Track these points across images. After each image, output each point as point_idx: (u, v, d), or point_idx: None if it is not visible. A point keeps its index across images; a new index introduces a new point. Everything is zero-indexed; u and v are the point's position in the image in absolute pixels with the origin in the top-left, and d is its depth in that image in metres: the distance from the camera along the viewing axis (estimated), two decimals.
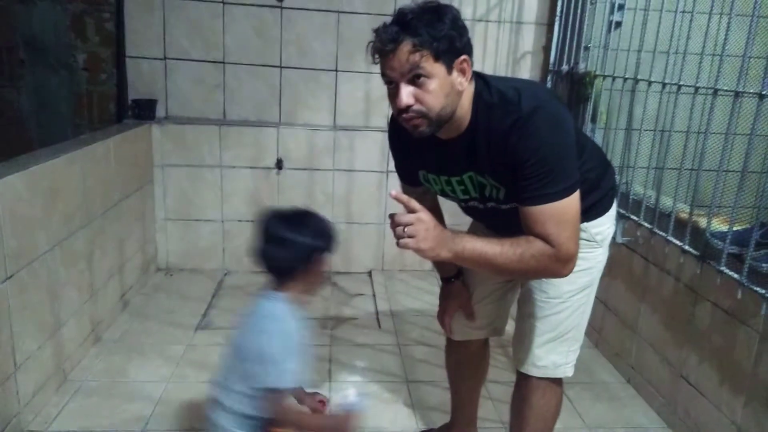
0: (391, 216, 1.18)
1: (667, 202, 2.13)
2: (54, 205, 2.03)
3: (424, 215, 1.17)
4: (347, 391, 1.37)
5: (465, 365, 1.80)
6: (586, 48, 2.79)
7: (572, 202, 1.22)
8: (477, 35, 3.17)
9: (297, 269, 1.31)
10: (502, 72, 3.23)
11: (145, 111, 3.04)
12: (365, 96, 3.13)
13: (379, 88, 1.24)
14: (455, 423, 1.88)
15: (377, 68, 1.22)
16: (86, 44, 3.04)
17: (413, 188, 1.53)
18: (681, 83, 2.02)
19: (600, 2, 2.68)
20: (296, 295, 1.34)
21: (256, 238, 1.33)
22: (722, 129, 1.81)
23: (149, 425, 1.90)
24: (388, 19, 1.20)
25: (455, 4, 3.06)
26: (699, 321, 1.93)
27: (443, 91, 1.19)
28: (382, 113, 3.08)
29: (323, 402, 1.59)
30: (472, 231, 1.62)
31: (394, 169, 1.59)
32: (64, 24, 3.01)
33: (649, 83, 2.18)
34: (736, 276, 1.70)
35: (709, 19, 1.90)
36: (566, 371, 1.52)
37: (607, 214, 1.47)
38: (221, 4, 3.01)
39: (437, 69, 1.17)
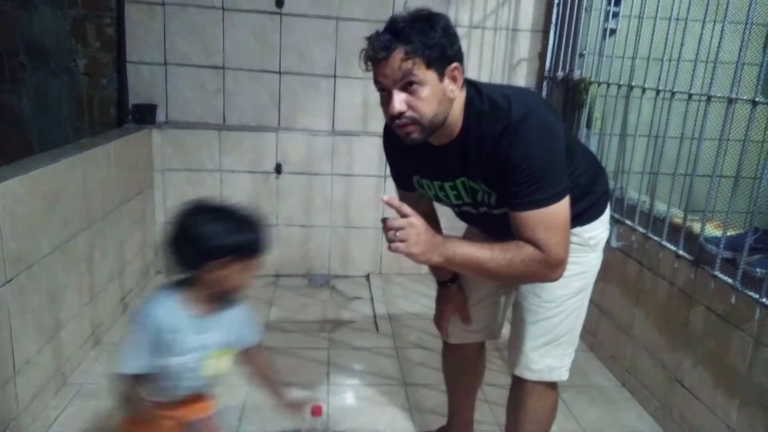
0: (384, 220, 1.19)
1: (661, 207, 2.15)
2: (54, 208, 2.05)
3: (415, 220, 1.18)
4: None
5: (461, 368, 1.81)
6: (581, 55, 2.82)
7: (562, 207, 1.23)
8: (473, 42, 3.20)
9: (197, 266, 1.24)
10: (498, 78, 3.26)
11: (145, 116, 3.06)
12: (363, 101, 3.15)
13: (377, 94, 1.26)
14: (452, 426, 1.89)
15: None
16: (87, 49, 3.06)
17: (409, 193, 1.55)
18: (675, 90, 2.05)
19: (595, 10, 2.72)
20: (198, 293, 1.28)
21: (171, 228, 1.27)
22: (716, 135, 1.83)
23: None
24: (382, 27, 1.22)
25: (452, 11, 3.15)
26: (693, 325, 1.95)
27: (435, 98, 1.21)
28: (380, 119, 3.06)
29: (318, 408, 1.60)
30: (467, 236, 1.64)
31: (391, 175, 1.61)
32: (65, 29, 3.04)
33: (644, 90, 2.21)
34: (729, 281, 1.72)
35: (703, 26, 1.93)
36: (561, 375, 1.53)
37: (600, 218, 1.48)
38: (221, 10, 3.04)
39: (429, 76, 1.19)
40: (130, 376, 1.25)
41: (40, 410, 1.94)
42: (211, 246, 1.21)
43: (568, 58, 2.89)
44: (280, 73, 3.15)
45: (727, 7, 1.79)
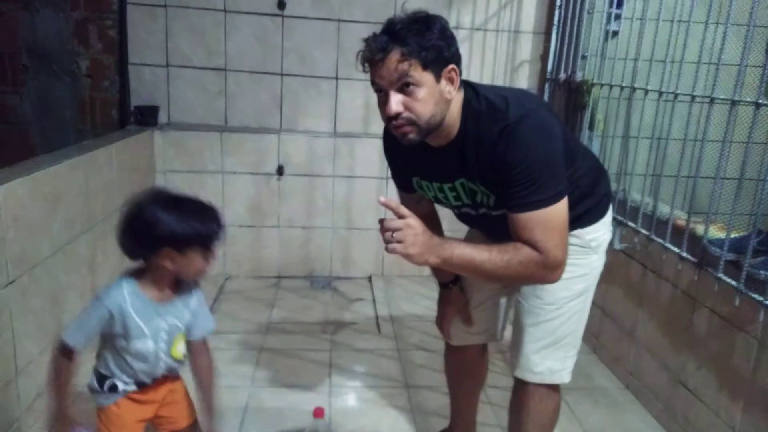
0: (381, 221, 1.19)
1: (664, 209, 2.15)
2: (56, 210, 2.05)
3: (412, 221, 1.18)
4: None
5: (464, 370, 1.81)
6: (584, 57, 2.82)
7: (560, 209, 1.23)
8: (475, 44, 3.20)
9: (144, 253, 1.27)
10: (500, 81, 3.26)
11: (147, 117, 3.06)
12: (365, 103, 3.15)
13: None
14: (454, 428, 1.89)
15: None
16: (89, 51, 3.07)
17: (409, 195, 1.55)
18: (678, 92, 2.04)
19: (597, 12, 2.71)
20: (151, 279, 1.30)
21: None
22: (719, 137, 1.83)
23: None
24: (376, 31, 1.22)
25: (453, 13, 3.16)
26: (697, 327, 1.95)
27: (432, 99, 1.21)
28: (381, 120, 3.10)
29: (321, 410, 1.60)
30: (469, 238, 1.64)
31: (392, 177, 1.61)
32: (67, 31, 3.04)
33: (646, 92, 2.20)
34: (733, 283, 1.72)
35: (705, 28, 1.93)
36: (563, 377, 1.53)
37: (602, 220, 1.48)
38: (223, 12, 3.04)
39: (426, 78, 1.19)
40: (66, 346, 1.27)
41: (43, 411, 1.94)
42: (164, 233, 1.22)
43: (571, 60, 2.89)
44: (281, 74, 3.15)
45: (729, 9, 1.79)
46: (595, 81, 2.62)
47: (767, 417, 1.64)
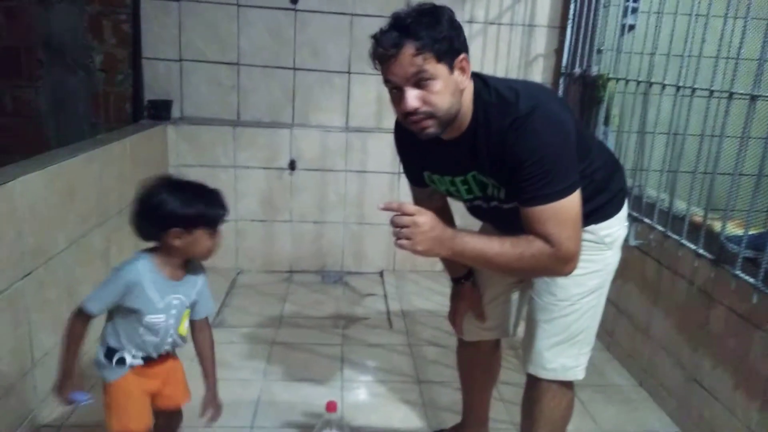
0: (391, 218, 1.19)
1: (680, 205, 2.12)
2: (71, 203, 2.06)
3: (420, 218, 1.17)
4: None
5: (476, 366, 1.80)
6: (599, 51, 2.79)
7: (572, 201, 1.22)
8: (489, 38, 3.18)
9: (155, 233, 1.35)
10: (513, 75, 3.24)
11: (160, 112, 3.07)
12: (378, 98, 3.14)
13: None
14: (466, 424, 1.88)
15: None
16: (103, 45, 3.08)
17: (421, 189, 1.54)
18: (695, 86, 2.02)
19: (613, 5, 2.68)
20: (163, 258, 1.38)
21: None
22: (737, 132, 1.80)
23: None
24: (385, 25, 1.21)
25: (467, 7, 3.13)
26: (713, 325, 1.92)
27: (448, 90, 1.21)
28: (394, 115, 3.09)
29: (333, 404, 1.60)
30: (481, 232, 1.63)
31: (404, 172, 1.60)
32: (81, 25, 3.06)
33: (663, 86, 2.17)
34: (751, 280, 1.69)
35: (725, 22, 1.90)
36: (576, 374, 1.52)
37: (616, 216, 1.46)
38: (236, 7, 3.04)
39: (440, 70, 1.19)
40: (84, 312, 1.34)
41: (59, 402, 1.96)
42: (171, 214, 1.31)
43: (586, 55, 2.86)
44: (294, 69, 3.15)
45: (749, 3, 1.76)
46: (610, 75, 2.59)
47: None
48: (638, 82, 2.33)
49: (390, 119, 1.45)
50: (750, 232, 1.74)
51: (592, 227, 1.40)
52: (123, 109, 3.15)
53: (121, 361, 1.40)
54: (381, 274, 3.35)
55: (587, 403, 2.17)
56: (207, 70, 3.11)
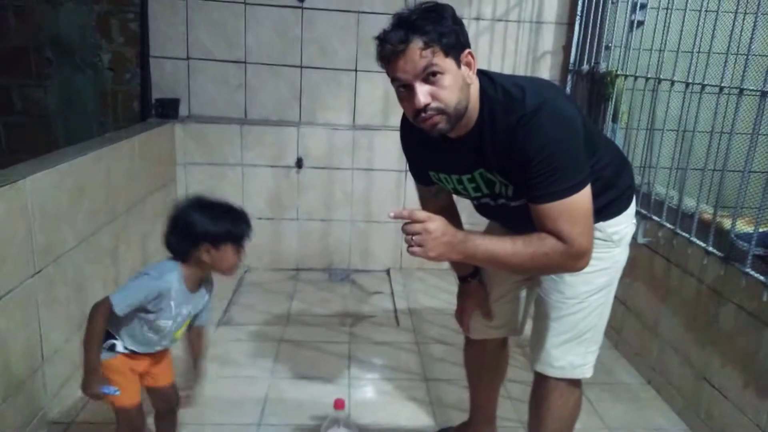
0: (402, 226, 1.19)
1: (689, 202, 2.11)
2: (80, 201, 2.08)
3: (431, 225, 1.17)
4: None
5: (483, 364, 1.80)
6: (607, 47, 2.77)
7: (583, 197, 1.21)
8: (497, 35, 3.17)
9: (186, 249, 1.44)
10: (521, 72, 3.23)
11: (168, 110, 3.09)
12: (384, 95, 3.14)
13: None
14: (473, 421, 1.88)
15: None
16: (111, 44, 3.10)
17: (427, 187, 1.54)
18: (705, 83, 2.00)
19: (621, 1, 2.66)
20: (191, 270, 1.46)
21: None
22: (747, 129, 1.79)
23: None
24: (388, 25, 1.21)
25: (475, 3, 3.12)
26: (722, 323, 1.91)
27: (457, 85, 1.20)
28: (401, 113, 3.09)
29: (341, 401, 1.61)
30: (489, 231, 1.63)
31: (410, 170, 1.60)
32: (89, 24, 3.07)
33: (672, 83, 2.16)
34: (761, 278, 1.68)
35: (735, 18, 1.88)
36: (584, 372, 1.51)
37: (624, 213, 1.45)
38: (243, 5, 3.05)
39: (448, 64, 1.19)
40: (111, 310, 1.38)
41: (68, 399, 1.97)
42: (202, 231, 1.41)
43: (594, 51, 2.85)
44: (301, 67, 3.15)
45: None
46: (619, 72, 2.57)
47: None
48: (647, 79, 2.31)
49: (397, 117, 1.44)
50: (760, 230, 1.72)
51: (600, 224, 1.39)
52: (131, 108, 3.17)
53: (112, 347, 1.47)
54: (388, 272, 3.35)
55: (595, 401, 2.17)
56: (214, 68, 3.11)
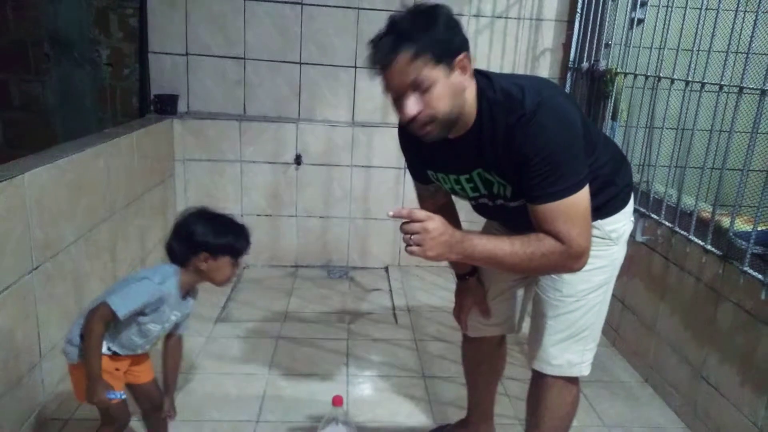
0: (401, 226, 1.19)
1: (688, 201, 2.11)
2: (79, 197, 2.07)
3: (430, 224, 1.17)
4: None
5: (481, 361, 1.80)
6: (607, 45, 2.77)
7: (581, 197, 1.21)
8: (496, 32, 3.16)
9: (185, 256, 1.47)
10: (521, 69, 3.22)
11: (167, 106, 3.08)
12: (383, 92, 3.13)
13: None
14: (471, 419, 1.88)
15: None
16: (110, 39, 3.09)
17: (425, 186, 1.54)
18: (705, 81, 2.00)
19: None
20: (187, 277, 1.49)
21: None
22: (747, 128, 1.79)
23: None
24: (382, 29, 1.20)
25: (475, 1, 3.10)
26: (720, 321, 1.91)
27: (448, 93, 1.19)
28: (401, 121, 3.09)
29: (339, 398, 1.61)
30: (486, 230, 1.63)
31: (408, 168, 1.60)
32: (88, 19, 3.06)
33: (672, 81, 2.16)
34: (760, 276, 1.68)
35: (735, 16, 1.88)
36: (582, 370, 1.51)
37: (622, 211, 1.45)
38: (242, 1, 3.04)
39: (439, 72, 1.17)
40: (113, 314, 1.38)
41: (66, 395, 1.97)
42: (202, 240, 1.45)
43: (594, 49, 2.84)
44: (300, 63, 3.14)
45: None
46: (618, 70, 2.57)
47: None
48: (646, 77, 2.31)
49: (396, 114, 1.44)
50: (759, 228, 1.72)
51: (598, 222, 1.39)
52: (129, 104, 3.16)
53: None
54: (386, 269, 3.35)
55: (593, 399, 2.17)
56: (213, 64, 3.11)
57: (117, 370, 1.51)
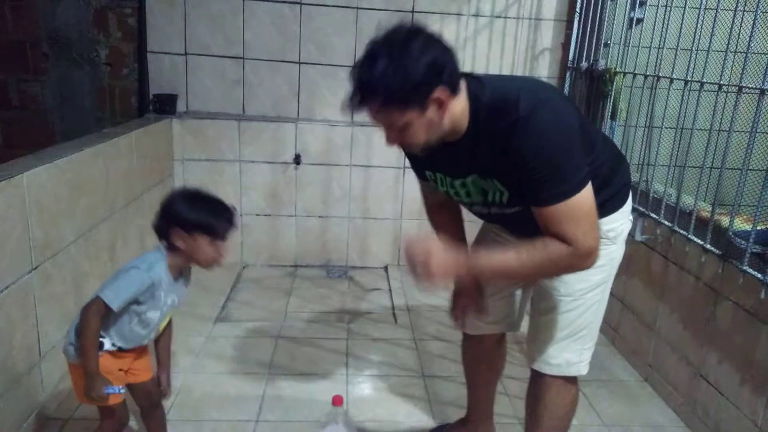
0: (405, 255, 1.23)
1: (687, 200, 2.11)
2: (78, 197, 2.07)
3: (435, 249, 1.21)
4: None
5: (481, 360, 1.80)
6: (606, 45, 2.77)
7: (584, 196, 1.22)
8: (495, 32, 3.17)
9: (162, 231, 1.46)
10: (520, 69, 3.22)
11: (166, 106, 3.08)
12: None
13: None
14: (471, 418, 1.88)
15: None
16: (109, 39, 3.08)
17: (427, 183, 1.54)
18: (704, 80, 2.00)
19: None
20: (173, 259, 1.47)
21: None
22: (746, 127, 1.79)
23: (170, 415, 1.92)
24: (351, 71, 1.21)
25: (474, 1, 3.09)
26: (720, 320, 1.92)
27: (422, 128, 1.20)
28: None
29: (339, 398, 1.61)
30: (484, 230, 1.64)
31: (410, 166, 1.60)
32: (87, 19, 3.06)
33: (671, 80, 2.16)
34: (759, 276, 1.69)
35: (734, 15, 1.88)
36: (580, 369, 1.51)
37: (620, 210, 1.45)
38: (241, 0, 3.03)
39: (409, 115, 1.17)
40: (106, 308, 1.38)
41: (65, 394, 1.97)
42: (175, 213, 1.44)
43: (593, 48, 2.84)
44: (299, 63, 3.14)
45: None
46: (617, 69, 2.57)
47: None
48: (645, 76, 2.31)
49: None
50: (758, 227, 1.73)
51: None
52: (128, 103, 3.16)
53: (100, 346, 1.45)
54: (386, 268, 3.35)
55: (592, 398, 2.17)
56: (212, 64, 3.10)
57: (120, 370, 1.50)
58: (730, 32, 1.90)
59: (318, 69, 3.15)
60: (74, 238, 2.04)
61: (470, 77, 1.27)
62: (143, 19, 3.03)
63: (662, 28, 2.21)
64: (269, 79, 3.15)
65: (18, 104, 3.14)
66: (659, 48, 2.22)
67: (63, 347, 1.48)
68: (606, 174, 1.39)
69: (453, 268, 1.21)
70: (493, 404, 1.87)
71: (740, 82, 1.81)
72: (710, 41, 1.97)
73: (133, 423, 1.78)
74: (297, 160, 3.18)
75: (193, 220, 1.43)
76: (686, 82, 2.08)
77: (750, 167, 1.79)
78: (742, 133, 1.85)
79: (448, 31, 3.11)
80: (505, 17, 3.16)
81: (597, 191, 1.33)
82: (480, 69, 3.19)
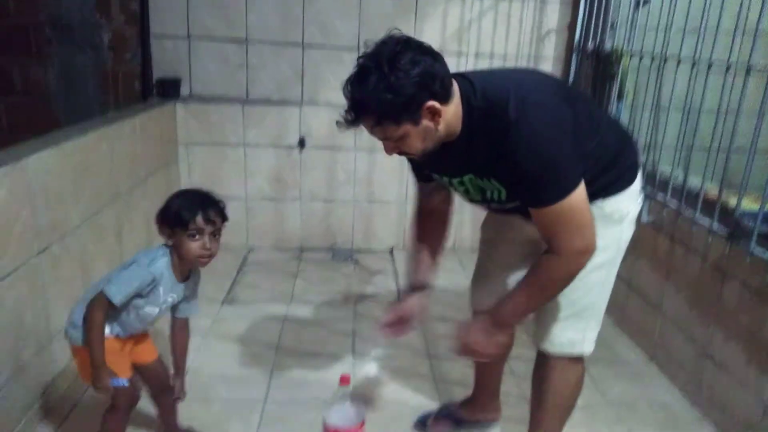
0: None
1: (694, 181, 2.10)
2: (84, 180, 2.07)
3: (464, 333, 1.40)
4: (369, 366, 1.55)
5: None
6: (613, 25, 2.74)
7: (576, 198, 1.23)
8: (500, 14, 3.14)
9: (161, 232, 1.46)
10: (525, 50, 3.20)
11: (169, 90, 3.06)
12: None
13: None
14: (477, 397, 1.90)
15: None
16: (111, 23, 3.06)
17: (425, 184, 1.57)
18: (712, 61, 1.98)
19: None
20: (174, 257, 1.47)
21: None
22: (754, 108, 1.78)
23: None
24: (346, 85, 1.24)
25: None
26: (726, 300, 1.92)
27: (418, 138, 1.23)
28: None
29: (347, 377, 1.62)
30: (487, 221, 1.69)
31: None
32: (90, 3, 3.03)
33: (678, 61, 2.14)
34: (766, 256, 1.69)
35: None
36: (584, 349, 1.52)
37: (626, 191, 1.43)
38: None
39: (404, 129, 1.20)
40: (110, 302, 1.39)
41: (75, 375, 1.99)
42: (160, 213, 1.45)
43: (599, 29, 2.82)
44: (303, 46, 3.12)
45: None
46: (624, 50, 2.55)
47: None
48: (653, 57, 2.30)
49: None
50: (766, 208, 1.72)
51: (598, 202, 1.38)
52: (132, 88, 3.14)
53: None
54: (391, 251, 3.36)
55: (597, 377, 2.19)
56: (215, 47, 3.08)
57: (122, 350, 1.53)
58: (739, 12, 1.88)
59: (322, 52, 3.13)
60: (81, 221, 2.04)
61: (460, 77, 1.29)
62: (145, 2, 3.00)
63: (669, 8, 2.19)
64: (273, 62, 3.13)
65: (21, 89, 3.13)
66: (666, 28, 2.20)
67: (65, 330, 1.50)
68: (610, 155, 1.39)
69: (490, 337, 1.37)
70: (499, 384, 1.89)
71: (749, 62, 1.79)
72: (718, 21, 1.95)
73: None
74: (301, 143, 3.18)
75: (169, 215, 1.43)
76: (694, 62, 2.06)
77: (758, 148, 1.78)
78: (751, 114, 1.83)
79: (453, 13, 3.09)
80: None
81: (601, 172, 1.34)
82: (485, 51, 3.16)
